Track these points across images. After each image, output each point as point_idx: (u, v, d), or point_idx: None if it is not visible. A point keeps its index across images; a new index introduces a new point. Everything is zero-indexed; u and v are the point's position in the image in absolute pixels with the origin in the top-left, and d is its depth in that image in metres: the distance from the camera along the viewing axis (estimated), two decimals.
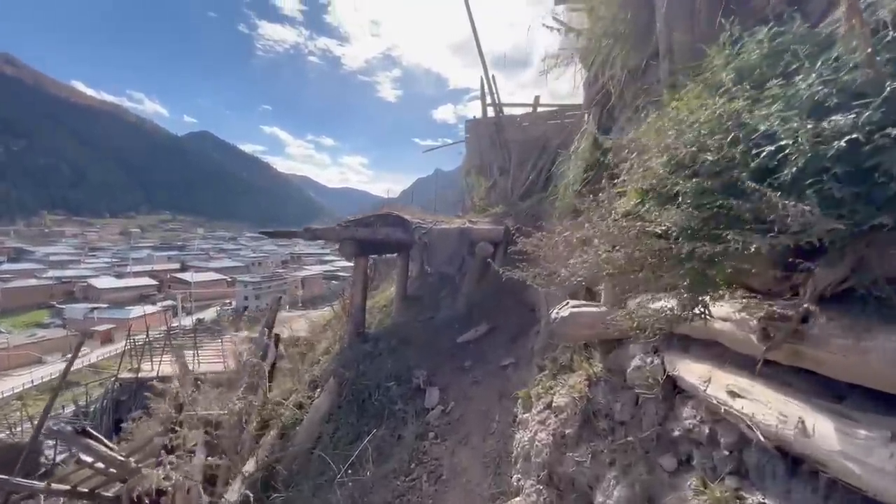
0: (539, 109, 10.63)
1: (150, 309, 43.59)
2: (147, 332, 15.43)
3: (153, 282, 70.17)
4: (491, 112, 10.80)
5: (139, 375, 12.30)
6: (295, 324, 13.27)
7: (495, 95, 10.50)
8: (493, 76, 10.45)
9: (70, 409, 17.20)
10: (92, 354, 32.15)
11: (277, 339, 7.62)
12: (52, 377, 25.60)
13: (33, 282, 65.79)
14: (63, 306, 55.47)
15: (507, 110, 10.82)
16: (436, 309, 8.72)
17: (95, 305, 53.07)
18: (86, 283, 65.15)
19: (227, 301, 56.47)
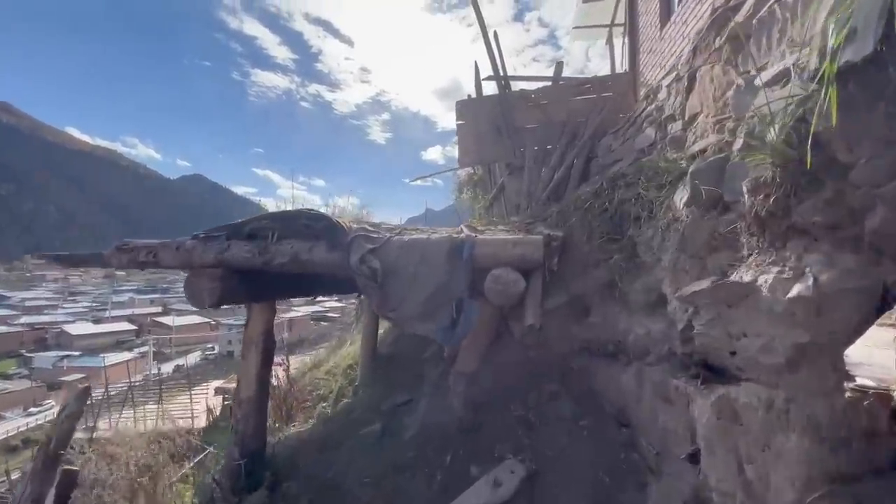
0: (562, 82, 7.48)
1: (126, 356, 40.99)
2: (106, 385, 13.26)
3: (132, 326, 66.34)
4: (491, 88, 7.65)
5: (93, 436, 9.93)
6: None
7: (498, 62, 7.35)
8: (495, 32, 7.33)
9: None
10: (58, 407, 27.83)
11: None
12: (9, 434, 24.05)
13: (2, 329, 61.46)
14: (32, 355, 51.63)
15: (515, 85, 7.67)
16: (416, 385, 5.13)
17: (66, 353, 49.25)
18: (59, 330, 61.28)
19: (210, 346, 53.05)
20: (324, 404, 8.31)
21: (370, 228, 3.28)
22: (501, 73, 7.46)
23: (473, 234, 3.21)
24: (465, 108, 7.68)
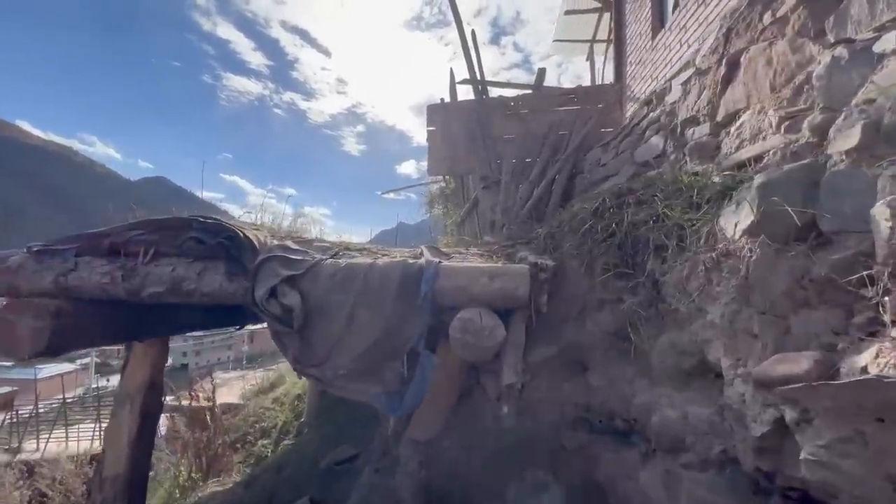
0: (544, 91, 6.83)
1: (66, 367, 37.15)
2: (36, 400, 12.15)
3: None
4: (467, 94, 6.93)
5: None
6: (227, 391, 10.39)
7: (475, 63, 6.66)
8: (473, 31, 6.64)
9: None
10: None
11: None
12: None
13: None
14: None
15: (493, 92, 6.97)
16: (368, 429, 4.17)
17: None
18: None
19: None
20: (264, 442, 7.14)
21: (293, 247, 2.35)
22: (478, 77, 6.76)
23: (436, 260, 2.35)
24: (438, 113, 6.91)
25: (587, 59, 10.41)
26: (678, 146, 2.82)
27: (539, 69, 6.70)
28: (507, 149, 6.47)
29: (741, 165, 1.98)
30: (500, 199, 6.24)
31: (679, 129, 2.83)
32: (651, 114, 3.59)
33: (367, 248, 2.81)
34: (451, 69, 8.89)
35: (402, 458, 2.83)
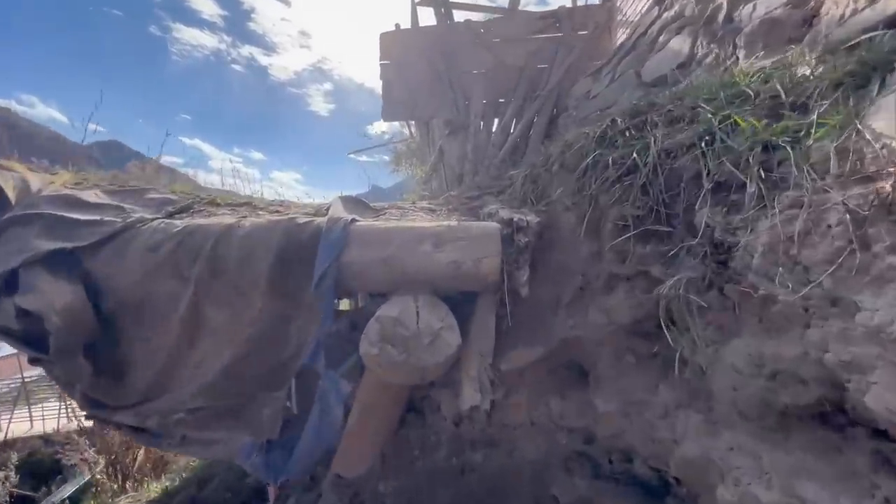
0: (519, 15, 5.68)
1: None
2: None
3: None
4: (428, 17, 5.72)
5: None
6: None
7: None
8: None
9: None
10: None
11: None
12: None
13: None
14: None
15: (459, 16, 5.78)
16: None
17: None
18: None
19: None
20: None
21: (91, 199, 1.35)
22: None
23: (347, 218, 1.39)
24: (393, 44, 5.68)
25: None
26: (721, 40, 1.89)
27: None
28: (477, 86, 5.38)
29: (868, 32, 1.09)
30: (469, 147, 5.23)
31: (724, 13, 1.88)
32: (666, 13, 2.61)
33: (253, 204, 1.81)
34: (412, 1, 7.55)
35: (324, 499, 2.00)
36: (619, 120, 1.74)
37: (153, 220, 1.35)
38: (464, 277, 1.45)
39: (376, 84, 6.32)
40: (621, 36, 5.22)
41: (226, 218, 1.43)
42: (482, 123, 5.27)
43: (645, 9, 3.45)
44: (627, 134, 1.64)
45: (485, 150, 5.12)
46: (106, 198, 1.40)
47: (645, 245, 1.41)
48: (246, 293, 1.29)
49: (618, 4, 5.45)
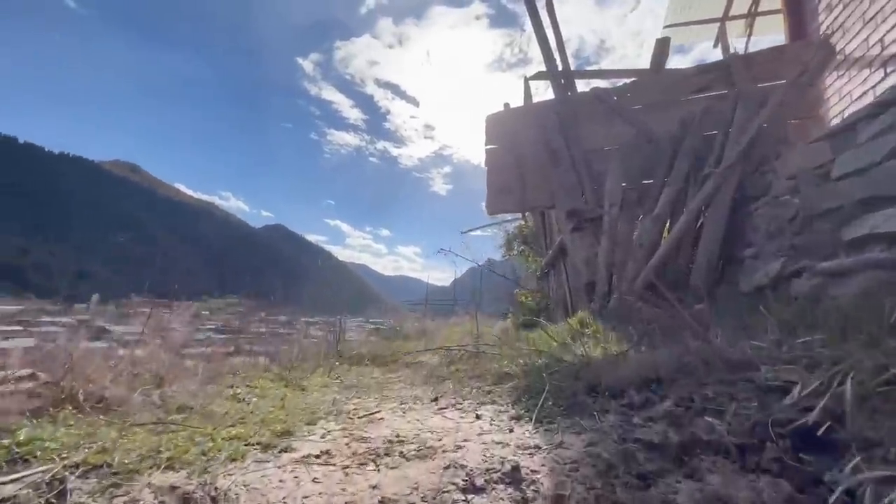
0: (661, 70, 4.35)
1: None
2: None
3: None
4: (540, 90, 4.74)
5: None
6: None
7: (553, 44, 4.46)
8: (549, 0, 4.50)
9: None
10: None
11: None
12: None
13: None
14: None
15: (582, 86, 4.70)
16: None
17: None
18: None
19: None
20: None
21: None
22: (559, 66, 4.54)
23: None
24: (500, 124, 4.78)
25: (716, 45, 7.61)
26: None
27: (659, 39, 4.26)
28: (611, 166, 4.06)
29: None
30: (601, 247, 3.79)
31: None
32: None
33: None
34: (524, 77, 6.86)
35: None
36: None
37: None
38: None
39: None
40: (840, 80, 3.50)
41: None
42: (620, 215, 3.84)
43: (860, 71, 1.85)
44: None
45: (626, 252, 3.63)
46: None
47: None
48: None
49: (825, 37, 3.78)
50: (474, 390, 2.14)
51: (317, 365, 3.44)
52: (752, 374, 1.38)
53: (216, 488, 0.94)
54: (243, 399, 1.87)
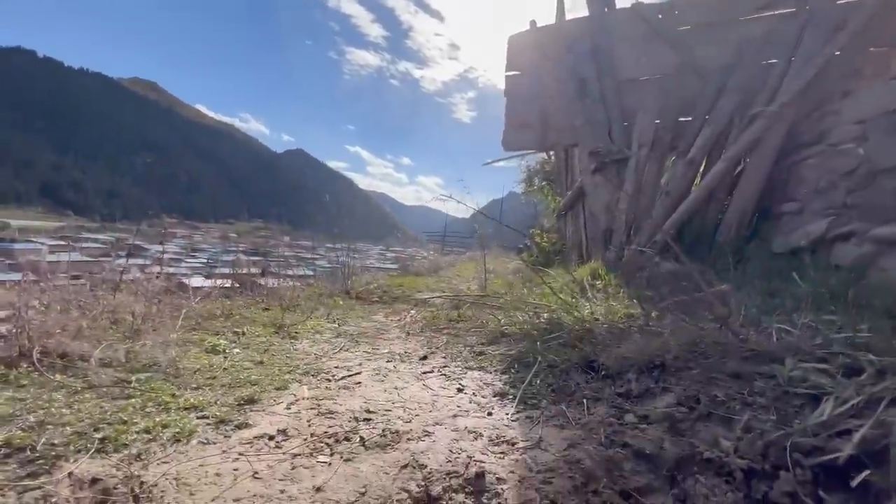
0: None
1: None
2: None
3: (236, 284, 76.14)
4: (577, 5, 4.11)
5: None
6: None
7: None
8: None
9: None
10: None
11: None
12: None
13: (139, 276, 74.97)
14: None
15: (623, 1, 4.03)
16: None
17: None
18: (179, 281, 72.55)
19: None
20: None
21: None
22: None
23: None
24: (525, 47, 4.21)
25: None
26: None
27: None
28: (646, 100, 3.57)
29: None
30: (623, 193, 3.46)
31: None
32: None
33: None
34: None
35: None
36: None
37: None
38: None
39: None
40: None
41: None
42: (649, 156, 3.44)
43: None
44: None
45: (652, 197, 3.30)
46: None
47: None
48: None
49: None
50: (466, 349, 2.03)
51: (319, 304, 3.40)
52: (775, 367, 1.19)
53: (142, 483, 0.85)
54: (223, 351, 1.81)
